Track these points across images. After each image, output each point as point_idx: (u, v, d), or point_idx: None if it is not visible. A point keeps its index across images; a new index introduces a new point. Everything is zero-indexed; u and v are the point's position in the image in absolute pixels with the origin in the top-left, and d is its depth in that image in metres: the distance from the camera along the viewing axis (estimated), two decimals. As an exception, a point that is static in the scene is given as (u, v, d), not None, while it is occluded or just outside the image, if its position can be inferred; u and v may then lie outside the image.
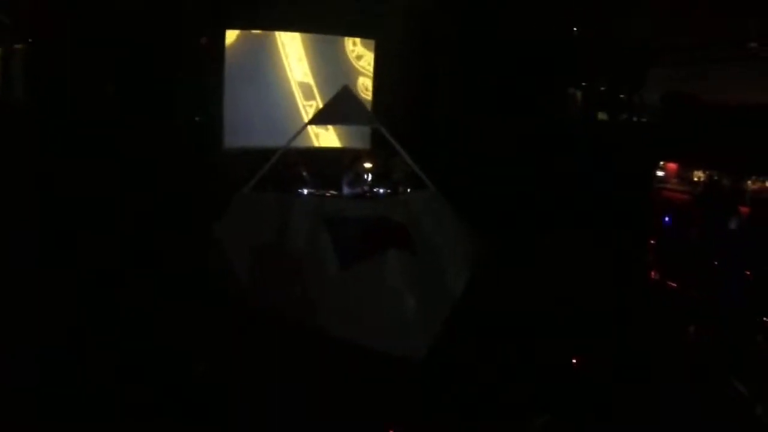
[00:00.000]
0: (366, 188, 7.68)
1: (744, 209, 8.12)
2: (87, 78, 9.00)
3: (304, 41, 10.65)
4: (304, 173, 8.26)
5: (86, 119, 8.69)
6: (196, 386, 4.84)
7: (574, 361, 5.41)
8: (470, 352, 5.63)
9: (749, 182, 8.65)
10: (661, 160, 10.00)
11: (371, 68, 11.19)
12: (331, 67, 10.83)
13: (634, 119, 11.65)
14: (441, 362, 5.50)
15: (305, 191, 7.72)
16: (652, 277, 7.34)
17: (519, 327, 6.03)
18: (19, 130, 8.16)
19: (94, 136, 8.47)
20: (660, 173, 10.07)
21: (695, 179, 9.77)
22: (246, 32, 10.14)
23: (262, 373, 5.10)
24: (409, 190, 7.93)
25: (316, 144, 10.61)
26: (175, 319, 5.77)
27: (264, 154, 7.81)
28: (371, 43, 11.11)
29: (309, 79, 10.75)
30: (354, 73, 11.09)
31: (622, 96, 12.18)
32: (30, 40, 9.18)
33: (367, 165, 8.31)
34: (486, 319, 6.24)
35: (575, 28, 11.63)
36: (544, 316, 6.18)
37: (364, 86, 11.17)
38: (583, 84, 12.59)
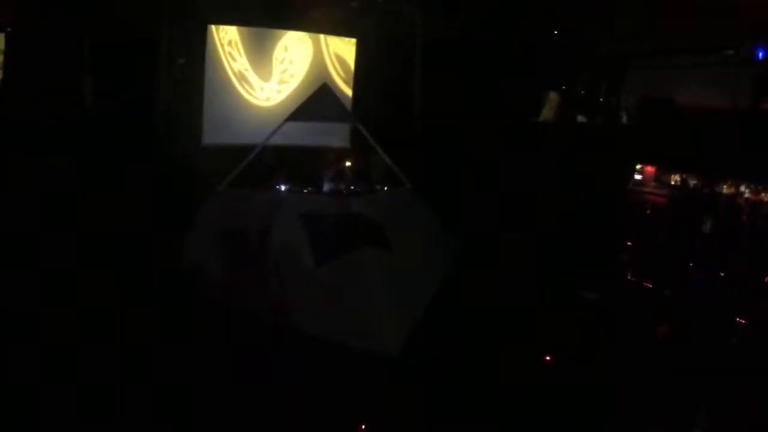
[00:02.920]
0: (344, 186, 7.65)
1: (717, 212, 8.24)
2: (61, 69, 8.86)
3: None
4: (281, 171, 8.21)
5: (58, 112, 8.51)
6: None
7: (547, 358, 5.42)
8: (443, 349, 5.60)
9: (723, 186, 8.77)
10: (639, 164, 10.10)
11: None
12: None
13: (612, 122, 11.77)
14: (414, 359, 5.48)
15: (282, 188, 7.65)
16: (628, 277, 7.39)
17: (489, 324, 6.03)
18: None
19: (66, 130, 8.32)
20: (638, 176, 10.16)
21: (672, 183, 9.88)
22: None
23: (233, 371, 5.04)
24: (386, 188, 7.92)
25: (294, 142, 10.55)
26: (144, 318, 5.65)
27: (242, 151, 7.76)
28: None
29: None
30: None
31: (600, 99, 12.32)
32: (8, 29, 9.01)
33: (347, 163, 8.29)
34: (457, 316, 6.24)
35: (555, 31, 11.73)
36: (514, 314, 6.18)
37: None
38: (563, 87, 12.68)
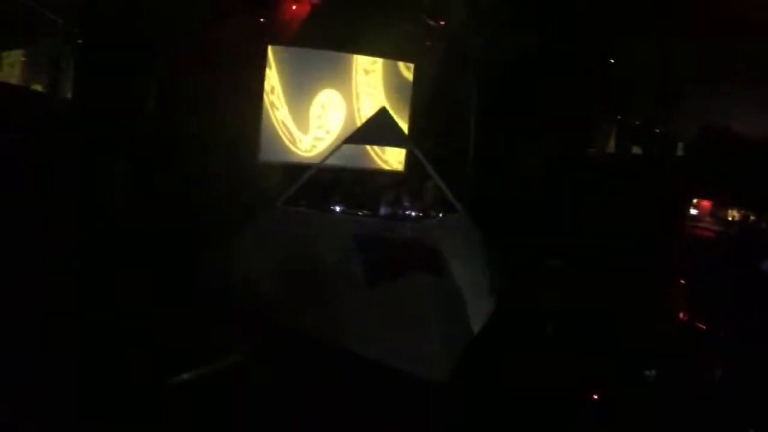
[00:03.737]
0: (400, 211, 7.75)
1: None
2: (131, 83, 9.25)
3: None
4: (337, 192, 8.37)
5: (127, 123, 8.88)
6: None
7: (595, 397, 5.38)
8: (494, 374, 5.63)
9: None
10: (695, 198, 9.92)
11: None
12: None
13: (668, 153, 11.58)
14: (463, 384, 5.52)
15: (338, 209, 7.81)
16: (681, 318, 7.26)
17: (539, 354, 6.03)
18: (66, 130, 8.34)
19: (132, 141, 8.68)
20: (693, 211, 9.97)
21: (729, 218, 9.65)
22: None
23: (282, 389, 5.10)
24: (440, 214, 8.00)
25: (351, 164, 10.79)
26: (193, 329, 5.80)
27: (298, 169, 7.94)
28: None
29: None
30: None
31: (657, 130, 12.14)
32: (80, 41, 9.45)
33: (403, 188, 8.39)
34: (508, 344, 6.25)
35: (611, 60, 11.64)
36: (564, 347, 6.16)
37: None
38: (618, 117, 12.57)
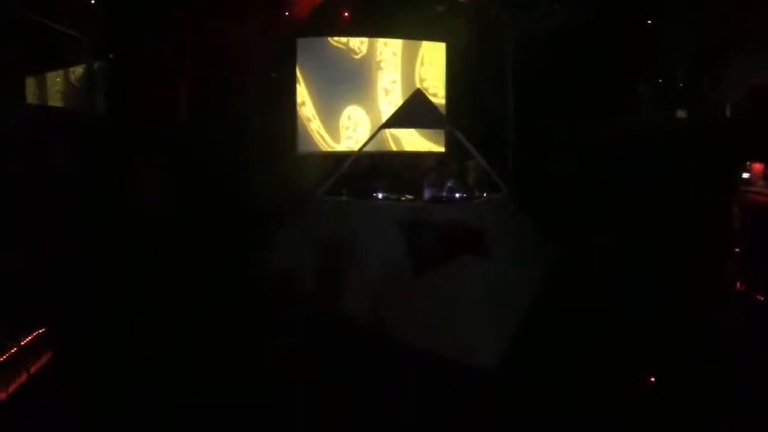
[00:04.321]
0: (444, 193, 7.64)
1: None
2: (163, 93, 9.38)
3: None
4: (378, 178, 8.34)
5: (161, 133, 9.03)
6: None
7: (652, 379, 5.23)
8: (544, 359, 5.54)
9: None
10: (748, 161, 9.54)
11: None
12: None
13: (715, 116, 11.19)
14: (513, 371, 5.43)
15: (380, 195, 7.76)
16: (738, 288, 7.00)
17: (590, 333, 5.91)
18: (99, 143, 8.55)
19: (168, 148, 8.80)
20: (746, 175, 9.59)
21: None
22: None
23: (328, 380, 5.09)
24: (484, 194, 7.88)
25: (391, 147, 10.78)
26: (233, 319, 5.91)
27: (338, 158, 7.90)
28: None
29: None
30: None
31: (701, 92, 11.75)
32: (110, 56, 9.63)
33: (446, 169, 8.28)
34: (558, 325, 6.15)
35: (649, 21, 11.27)
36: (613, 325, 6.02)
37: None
38: (660, 80, 12.18)
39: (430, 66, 11.11)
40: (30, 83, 9.48)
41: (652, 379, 5.19)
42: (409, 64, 11.04)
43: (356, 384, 5.05)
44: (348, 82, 10.82)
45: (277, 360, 5.23)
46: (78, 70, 9.76)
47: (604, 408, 4.75)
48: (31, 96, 9.37)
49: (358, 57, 10.84)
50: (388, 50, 10.94)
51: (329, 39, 10.50)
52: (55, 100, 9.87)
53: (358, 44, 10.77)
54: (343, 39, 10.58)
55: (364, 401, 4.80)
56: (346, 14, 10.44)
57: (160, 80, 9.31)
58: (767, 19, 9.69)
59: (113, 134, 8.57)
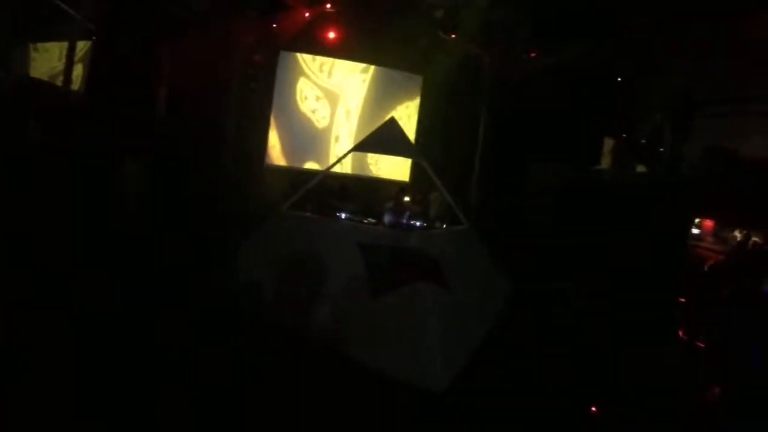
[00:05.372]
0: (405, 220, 7.78)
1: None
2: (142, 86, 9.29)
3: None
4: (342, 199, 8.43)
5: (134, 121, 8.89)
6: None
7: (592, 409, 5.42)
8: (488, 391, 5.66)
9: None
10: (698, 218, 9.95)
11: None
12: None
13: (673, 172, 11.61)
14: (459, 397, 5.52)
15: (344, 216, 7.84)
16: (681, 335, 7.29)
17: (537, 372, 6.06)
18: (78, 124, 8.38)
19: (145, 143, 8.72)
20: (695, 231, 10.00)
21: (732, 239, 9.68)
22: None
23: (281, 392, 5.08)
24: (444, 225, 8.02)
25: (357, 172, 10.89)
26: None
27: (305, 175, 7.95)
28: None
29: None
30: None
31: (661, 149, 12.18)
32: (94, 37, 9.53)
33: (407, 198, 8.44)
34: (507, 359, 6.29)
35: (618, 78, 11.72)
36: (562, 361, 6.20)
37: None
38: (624, 135, 12.63)
39: (405, 96, 11.32)
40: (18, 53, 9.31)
41: (594, 410, 5.38)
42: (383, 92, 11.21)
43: (306, 398, 5.02)
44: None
45: (228, 367, 5.20)
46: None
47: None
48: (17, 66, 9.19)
49: (330, 80, 10.97)
50: (365, 75, 11.12)
51: (306, 56, 10.60)
52: (40, 73, 9.66)
53: (331, 65, 10.89)
54: (320, 58, 10.70)
55: (311, 415, 4.79)
56: (332, 35, 10.56)
57: (140, 72, 9.22)
58: (727, 85, 10.17)
59: (90, 116, 8.47)
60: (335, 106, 10.98)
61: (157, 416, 4.43)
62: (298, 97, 10.70)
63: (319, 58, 10.74)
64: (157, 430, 4.37)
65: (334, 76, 10.97)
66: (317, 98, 10.88)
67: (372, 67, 11.04)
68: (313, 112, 10.86)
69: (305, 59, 10.62)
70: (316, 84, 10.85)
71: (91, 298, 5.67)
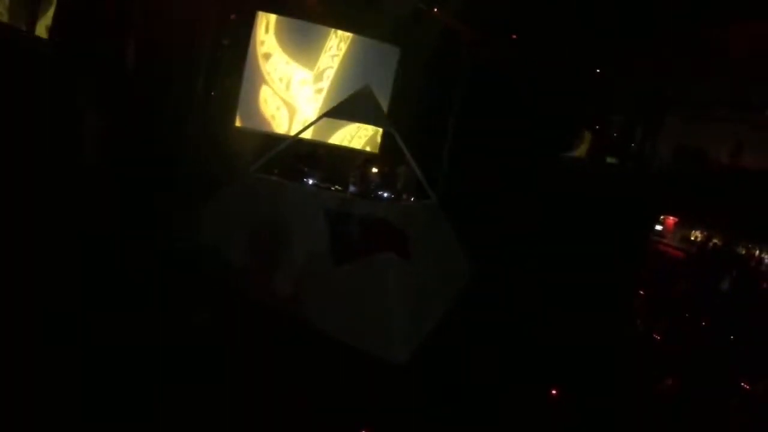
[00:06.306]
0: (371, 190, 7.64)
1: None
2: (110, 35, 8.90)
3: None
4: (311, 165, 8.21)
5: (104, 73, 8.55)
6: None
7: (553, 392, 5.41)
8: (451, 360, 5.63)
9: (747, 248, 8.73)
10: (662, 214, 10.08)
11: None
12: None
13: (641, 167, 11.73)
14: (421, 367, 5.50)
15: (310, 182, 7.64)
16: (638, 327, 7.36)
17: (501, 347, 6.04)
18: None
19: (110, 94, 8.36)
20: (658, 227, 10.13)
21: (691, 238, 9.84)
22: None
23: (240, 357, 4.95)
24: (412, 198, 7.92)
25: (326, 139, 10.63)
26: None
27: (275, 139, 7.72)
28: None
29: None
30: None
31: (632, 144, 12.30)
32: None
33: (375, 169, 8.28)
34: (469, 332, 6.24)
35: (597, 70, 11.72)
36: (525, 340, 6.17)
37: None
38: (597, 127, 12.69)
39: (380, 67, 11.05)
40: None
41: (554, 392, 5.39)
42: (359, 60, 10.94)
43: (266, 364, 4.94)
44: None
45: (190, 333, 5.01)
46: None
47: (508, 412, 4.93)
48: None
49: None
50: (342, 44, 10.82)
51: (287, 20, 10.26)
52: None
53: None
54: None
55: (271, 382, 4.70)
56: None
57: (109, 21, 8.80)
58: (701, 86, 10.26)
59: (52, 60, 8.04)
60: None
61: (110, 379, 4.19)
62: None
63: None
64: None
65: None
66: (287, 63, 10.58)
67: (349, 36, 10.76)
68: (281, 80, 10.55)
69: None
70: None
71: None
